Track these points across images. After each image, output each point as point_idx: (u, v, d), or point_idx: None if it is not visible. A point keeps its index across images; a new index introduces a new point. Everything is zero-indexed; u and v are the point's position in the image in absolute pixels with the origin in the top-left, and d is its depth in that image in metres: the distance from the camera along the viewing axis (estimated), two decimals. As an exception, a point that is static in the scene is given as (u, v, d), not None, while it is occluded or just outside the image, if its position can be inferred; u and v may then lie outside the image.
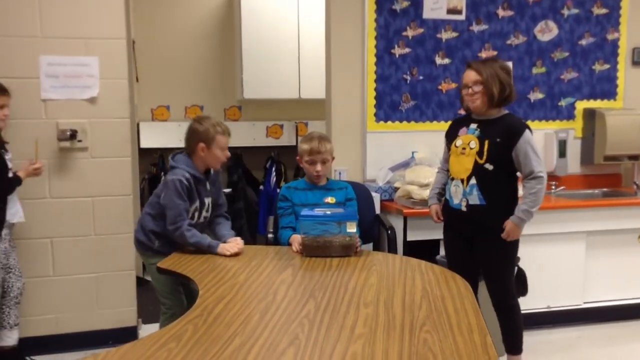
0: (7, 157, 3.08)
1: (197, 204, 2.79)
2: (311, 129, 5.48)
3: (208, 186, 2.84)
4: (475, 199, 2.86)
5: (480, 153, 2.84)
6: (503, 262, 2.95)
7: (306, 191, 2.98)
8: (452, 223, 3.05)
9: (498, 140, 2.82)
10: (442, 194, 3.13)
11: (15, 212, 3.14)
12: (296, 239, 2.73)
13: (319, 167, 2.94)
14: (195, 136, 2.76)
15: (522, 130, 2.82)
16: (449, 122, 4.04)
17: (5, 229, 3.06)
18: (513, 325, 3.01)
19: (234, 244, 2.70)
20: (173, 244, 2.77)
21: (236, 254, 2.64)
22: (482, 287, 3.03)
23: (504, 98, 2.86)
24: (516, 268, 3.17)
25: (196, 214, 2.80)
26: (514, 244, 2.93)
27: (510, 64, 2.97)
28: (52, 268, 3.45)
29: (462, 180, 2.90)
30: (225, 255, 2.63)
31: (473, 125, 2.93)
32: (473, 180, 2.86)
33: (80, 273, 3.53)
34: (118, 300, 3.61)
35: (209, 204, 2.86)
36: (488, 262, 2.95)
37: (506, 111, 2.95)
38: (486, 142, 2.84)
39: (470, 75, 2.90)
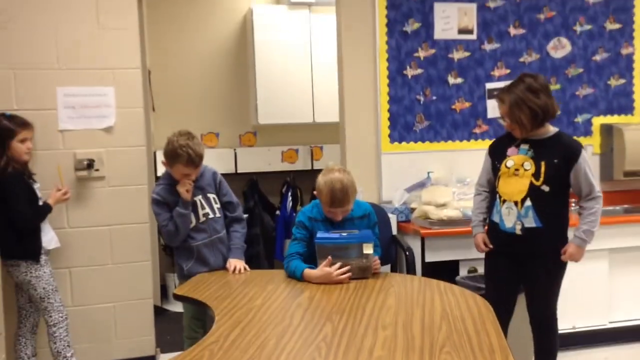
0: (36, 186, 3.17)
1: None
2: (326, 153, 5.49)
3: (193, 186, 2.88)
4: (531, 221, 2.77)
5: (536, 174, 2.76)
6: (553, 284, 2.87)
7: (326, 223, 2.72)
8: (501, 246, 2.91)
9: (555, 161, 2.75)
10: (486, 219, 3.01)
11: (50, 238, 3.21)
12: (315, 273, 2.53)
13: (339, 216, 2.68)
14: (164, 149, 2.85)
15: (580, 151, 2.77)
16: (465, 142, 4.09)
17: (44, 255, 3.14)
18: (550, 347, 2.93)
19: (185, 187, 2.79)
20: (199, 264, 2.84)
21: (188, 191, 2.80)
22: (517, 308, 2.97)
23: (541, 119, 2.77)
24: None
25: (192, 216, 2.84)
26: (565, 266, 2.87)
27: (541, 77, 2.86)
28: (70, 298, 3.46)
29: (516, 203, 2.80)
30: (185, 198, 2.80)
31: (524, 146, 2.83)
32: (528, 202, 2.77)
33: (98, 303, 3.53)
34: (136, 330, 3.60)
35: (201, 201, 2.88)
36: (537, 283, 2.86)
37: (555, 129, 2.87)
38: (543, 164, 2.76)
39: (499, 107, 2.88)
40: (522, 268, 2.87)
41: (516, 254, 2.86)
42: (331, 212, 2.68)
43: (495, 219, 2.90)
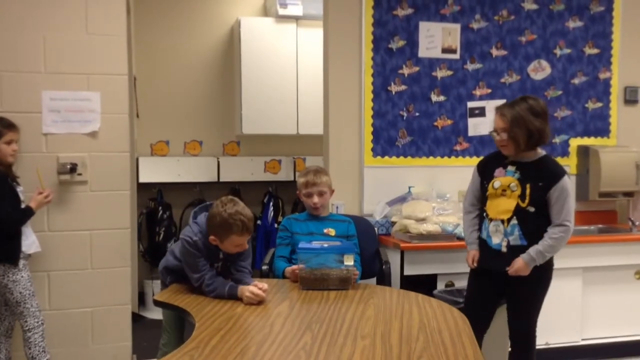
0: (19, 189, 3.15)
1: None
2: (309, 164, 5.53)
3: (221, 255, 2.60)
4: (516, 239, 2.84)
5: (522, 196, 2.82)
6: (534, 301, 2.92)
7: (307, 222, 3.06)
8: (487, 262, 2.96)
9: (540, 184, 2.81)
10: (479, 236, 3.04)
11: (31, 243, 3.18)
12: (293, 268, 2.77)
13: (315, 199, 3.00)
14: (211, 224, 2.49)
15: (561, 176, 2.82)
16: (446, 158, 4.16)
17: (23, 259, 3.11)
18: None
19: (258, 287, 2.40)
20: (184, 279, 2.66)
21: (259, 301, 2.37)
22: (494, 321, 3.02)
23: (535, 142, 2.84)
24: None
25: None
26: (547, 285, 2.92)
27: (542, 102, 2.93)
28: (48, 302, 3.43)
29: (503, 221, 2.86)
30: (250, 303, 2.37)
31: (511, 168, 2.89)
32: (514, 221, 2.84)
33: (76, 307, 3.50)
34: (113, 336, 3.57)
35: (218, 267, 2.63)
36: (520, 300, 2.92)
37: (543, 152, 2.94)
38: (528, 186, 2.82)
39: (497, 121, 2.89)
40: (506, 286, 2.92)
41: (501, 273, 2.89)
42: (309, 196, 3.00)
43: (483, 235, 2.97)
